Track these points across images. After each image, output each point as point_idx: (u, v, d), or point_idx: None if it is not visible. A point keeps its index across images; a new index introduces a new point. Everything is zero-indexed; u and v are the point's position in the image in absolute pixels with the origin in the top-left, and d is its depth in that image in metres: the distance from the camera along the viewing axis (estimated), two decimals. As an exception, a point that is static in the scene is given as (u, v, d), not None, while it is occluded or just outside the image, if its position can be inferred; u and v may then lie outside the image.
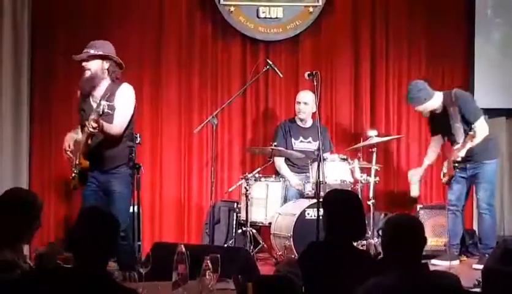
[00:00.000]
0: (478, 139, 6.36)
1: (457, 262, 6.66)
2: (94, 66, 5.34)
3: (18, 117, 7.16)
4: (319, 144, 6.22)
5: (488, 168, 6.59)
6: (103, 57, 5.37)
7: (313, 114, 7.10)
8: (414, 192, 6.90)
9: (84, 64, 5.34)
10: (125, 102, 5.36)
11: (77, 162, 5.35)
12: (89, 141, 5.24)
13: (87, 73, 5.35)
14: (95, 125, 5.06)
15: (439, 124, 6.71)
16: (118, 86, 5.37)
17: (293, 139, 7.20)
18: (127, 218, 5.49)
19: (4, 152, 7.09)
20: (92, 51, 5.36)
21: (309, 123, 7.22)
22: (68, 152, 5.41)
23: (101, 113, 5.01)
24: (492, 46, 7.73)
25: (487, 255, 6.33)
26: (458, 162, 6.51)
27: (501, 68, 7.70)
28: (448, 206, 6.76)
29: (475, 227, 7.50)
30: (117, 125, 5.30)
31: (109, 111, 5.11)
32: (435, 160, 6.99)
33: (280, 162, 7.16)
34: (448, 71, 7.86)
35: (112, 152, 5.38)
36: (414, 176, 6.90)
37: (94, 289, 2.83)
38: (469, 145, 6.38)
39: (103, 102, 5.05)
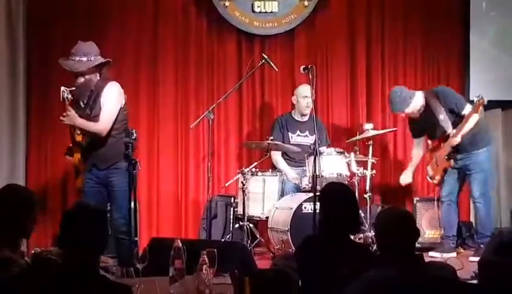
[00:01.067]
0: (470, 124, 6.42)
1: (453, 254, 6.64)
2: (87, 74, 5.39)
3: (14, 118, 7.14)
4: (315, 138, 6.22)
5: (478, 158, 6.63)
6: (96, 66, 5.43)
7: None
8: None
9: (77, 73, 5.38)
10: (110, 100, 5.43)
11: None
12: (77, 137, 5.30)
13: (81, 80, 5.37)
14: (65, 114, 5.24)
15: (422, 123, 6.73)
16: (105, 84, 5.42)
17: (290, 133, 7.21)
18: (127, 213, 5.54)
19: (1, 154, 7.07)
20: (84, 59, 5.38)
21: (306, 117, 7.23)
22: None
23: (61, 99, 5.17)
24: (487, 39, 7.74)
25: (482, 246, 6.42)
26: (450, 153, 6.57)
27: (496, 61, 7.71)
28: (442, 198, 6.80)
29: (472, 219, 7.53)
30: (102, 122, 5.36)
31: (69, 96, 5.27)
32: (419, 162, 7.06)
33: (277, 156, 7.16)
34: (443, 63, 7.88)
35: (107, 150, 5.42)
36: (406, 181, 6.97)
37: (85, 285, 2.84)
38: (464, 129, 6.43)
39: (62, 88, 5.16)
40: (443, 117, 6.56)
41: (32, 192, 3.92)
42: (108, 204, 5.54)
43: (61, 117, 5.30)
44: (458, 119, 6.51)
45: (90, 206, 3.25)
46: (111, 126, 5.43)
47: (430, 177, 6.82)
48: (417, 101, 6.63)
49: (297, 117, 7.25)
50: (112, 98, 5.45)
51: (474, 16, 7.71)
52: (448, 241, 6.79)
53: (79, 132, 5.39)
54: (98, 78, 5.44)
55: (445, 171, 6.69)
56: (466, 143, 6.55)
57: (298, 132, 7.22)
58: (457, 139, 6.47)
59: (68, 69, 5.39)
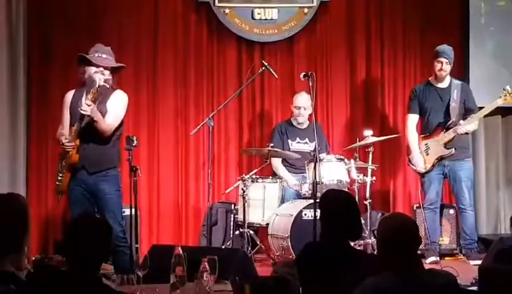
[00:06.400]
0: (487, 109, 6.69)
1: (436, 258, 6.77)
2: (106, 73, 5.44)
3: (14, 117, 7.12)
4: (315, 144, 6.23)
5: (469, 166, 6.86)
6: (114, 69, 5.52)
7: (310, 115, 7.12)
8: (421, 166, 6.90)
9: (101, 69, 5.41)
10: (118, 105, 5.48)
11: (64, 163, 5.40)
12: (73, 157, 5.31)
13: (102, 79, 5.37)
14: (89, 103, 5.16)
15: (431, 100, 6.82)
16: (113, 90, 5.48)
17: (289, 140, 7.21)
18: (122, 218, 5.57)
19: (1, 159, 7.07)
20: (110, 58, 5.49)
21: (306, 124, 7.23)
22: (66, 143, 5.36)
23: (97, 86, 5.16)
24: (486, 52, 7.76)
25: (473, 250, 6.74)
26: (449, 142, 6.71)
27: (495, 72, 7.70)
28: (427, 205, 6.86)
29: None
30: (108, 123, 5.34)
31: (106, 85, 5.28)
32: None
33: (277, 163, 7.16)
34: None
35: (101, 154, 5.43)
36: (423, 166, 6.88)
37: (87, 293, 2.86)
38: (473, 124, 6.69)
39: (99, 76, 5.15)
40: (455, 106, 6.70)
41: (23, 197, 3.86)
42: (96, 212, 5.50)
43: (84, 108, 5.20)
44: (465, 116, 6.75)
45: (95, 217, 3.27)
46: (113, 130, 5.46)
47: (421, 164, 6.82)
48: (449, 68, 6.79)
49: (296, 124, 7.26)
50: (121, 104, 5.52)
51: (474, 30, 7.74)
52: (435, 247, 6.84)
53: (75, 151, 5.34)
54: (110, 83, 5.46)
55: (439, 159, 6.74)
56: (459, 150, 6.73)
57: (298, 139, 7.22)
58: (467, 128, 6.68)
59: (103, 65, 5.41)
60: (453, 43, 7.23)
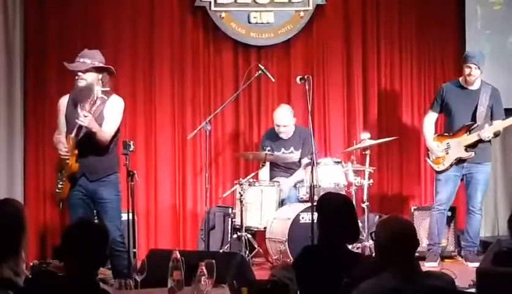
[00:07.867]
0: (492, 132, 6.62)
1: (437, 263, 6.73)
2: (89, 77, 5.37)
3: (11, 123, 7.11)
4: (312, 148, 6.23)
5: (487, 170, 6.80)
6: (98, 69, 5.42)
7: (307, 115, 7.07)
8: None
9: (80, 74, 5.37)
10: (114, 112, 5.45)
11: (63, 172, 5.39)
12: (73, 166, 5.31)
13: (82, 83, 5.36)
14: (87, 114, 5.16)
15: (458, 101, 6.74)
16: (109, 95, 5.44)
17: (275, 152, 7.10)
18: (120, 222, 5.57)
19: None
20: (88, 61, 5.39)
21: (291, 133, 7.15)
22: (64, 152, 5.36)
23: (95, 98, 5.13)
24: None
25: (472, 252, 6.73)
26: (471, 145, 6.64)
27: (492, 75, 7.70)
28: (436, 205, 6.81)
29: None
30: (106, 131, 5.35)
31: (104, 97, 5.24)
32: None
33: (261, 172, 7.14)
34: (440, 74, 7.88)
35: (100, 162, 5.42)
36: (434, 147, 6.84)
37: None
38: (493, 130, 6.62)
39: (97, 87, 5.12)
40: (483, 110, 6.66)
41: (20, 203, 3.87)
42: (95, 216, 5.51)
43: (81, 119, 5.19)
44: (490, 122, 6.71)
45: (92, 222, 3.28)
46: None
47: (433, 161, 6.79)
48: (479, 73, 6.67)
49: (280, 134, 7.17)
50: (117, 111, 5.50)
51: (471, 34, 7.75)
52: (436, 250, 6.82)
53: (74, 160, 5.35)
54: (100, 86, 5.39)
55: (458, 161, 6.70)
56: (480, 153, 6.69)
57: (283, 150, 7.12)
58: (487, 134, 6.60)
59: (72, 69, 5.39)
60: (450, 47, 7.24)
